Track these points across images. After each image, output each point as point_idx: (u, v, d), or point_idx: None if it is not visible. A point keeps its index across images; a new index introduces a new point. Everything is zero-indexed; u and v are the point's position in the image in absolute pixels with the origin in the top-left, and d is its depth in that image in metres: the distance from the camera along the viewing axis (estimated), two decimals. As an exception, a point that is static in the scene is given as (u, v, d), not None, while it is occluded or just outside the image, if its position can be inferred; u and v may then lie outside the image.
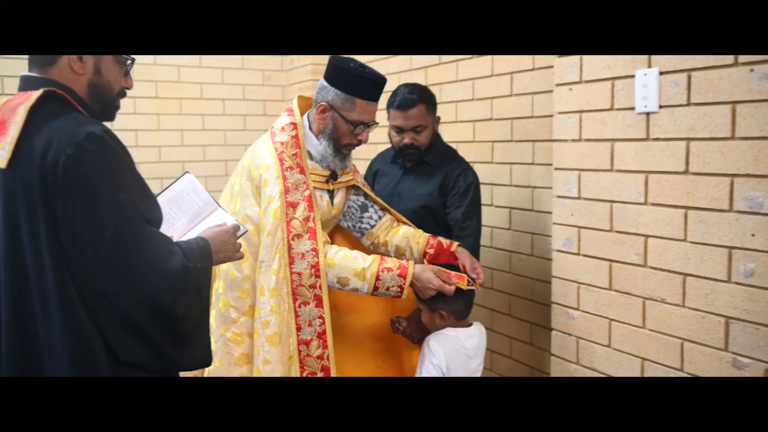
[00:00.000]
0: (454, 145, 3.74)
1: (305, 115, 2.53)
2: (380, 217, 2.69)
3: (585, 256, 2.54)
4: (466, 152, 3.73)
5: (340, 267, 2.37)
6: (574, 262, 2.59)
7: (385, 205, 2.73)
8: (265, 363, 2.31)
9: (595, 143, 2.47)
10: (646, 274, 2.32)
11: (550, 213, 2.73)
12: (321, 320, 2.35)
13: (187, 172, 2.08)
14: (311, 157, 2.48)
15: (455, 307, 2.47)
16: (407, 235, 2.67)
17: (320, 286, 2.33)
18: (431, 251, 2.61)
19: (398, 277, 2.38)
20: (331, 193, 2.57)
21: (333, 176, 2.53)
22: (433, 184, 2.96)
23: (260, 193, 2.38)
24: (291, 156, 2.39)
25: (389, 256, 2.65)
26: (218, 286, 2.45)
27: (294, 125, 2.45)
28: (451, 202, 2.92)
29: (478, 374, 2.53)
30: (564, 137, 2.59)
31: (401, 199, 3.02)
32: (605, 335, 2.48)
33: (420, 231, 2.70)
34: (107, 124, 1.81)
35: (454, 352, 2.42)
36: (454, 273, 2.48)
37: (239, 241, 2.37)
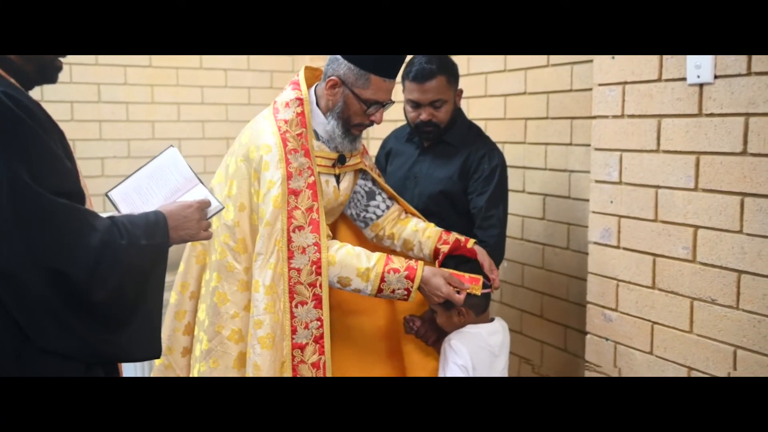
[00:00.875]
0: (482, 123, 3.72)
1: (312, 89, 2.53)
2: (388, 207, 2.71)
3: (625, 249, 2.53)
4: (495, 131, 3.72)
5: (342, 265, 2.38)
6: (612, 256, 2.58)
7: (394, 193, 2.73)
8: (256, 369, 2.32)
9: (640, 120, 2.45)
10: (695, 271, 2.31)
11: (588, 201, 2.70)
12: (319, 323, 2.36)
13: (171, 146, 2.12)
14: (317, 137, 2.48)
15: (474, 301, 2.48)
16: (417, 228, 2.68)
17: (320, 285, 2.35)
18: (444, 248, 2.61)
19: (405, 280, 2.40)
20: (338, 178, 2.57)
21: (341, 160, 2.53)
22: (453, 167, 2.95)
23: (259, 177, 2.38)
24: (295, 136, 2.39)
25: (395, 250, 2.68)
26: (211, 278, 2.46)
27: (300, 101, 2.44)
28: (473, 188, 2.91)
29: (505, 375, 2.56)
30: (604, 113, 2.57)
31: (417, 182, 3.01)
32: (647, 340, 2.48)
33: (432, 224, 2.71)
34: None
35: (479, 350, 2.44)
36: (468, 276, 2.49)
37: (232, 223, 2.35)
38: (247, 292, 2.41)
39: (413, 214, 2.75)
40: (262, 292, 2.32)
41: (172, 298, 2.59)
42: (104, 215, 1.85)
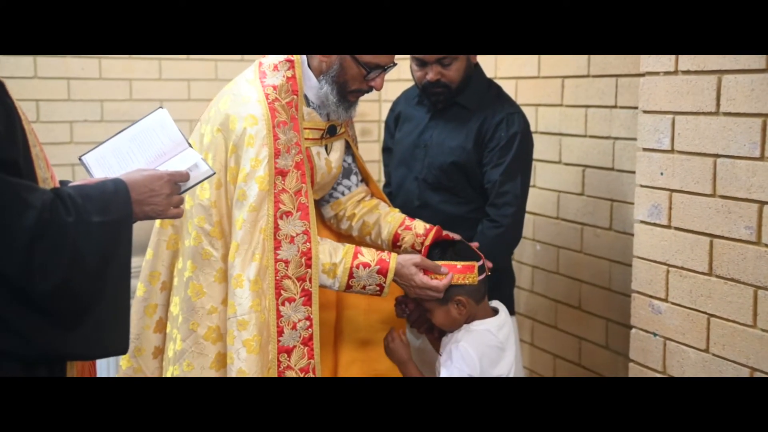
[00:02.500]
0: (511, 83, 3.72)
1: None
2: (357, 187, 2.77)
3: (677, 229, 2.53)
4: (527, 91, 3.71)
5: None
6: (662, 237, 2.57)
7: (369, 174, 2.80)
8: (241, 375, 2.33)
9: (696, 77, 2.44)
10: (760, 255, 2.30)
11: (635, 173, 2.72)
12: (308, 322, 2.39)
13: (160, 107, 2.12)
14: (307, 102, 2.49)
15: (472, 287, 2.52)
16: (379, 211, 2.75)
17: (310, 279, 2.39)
18: (407, 234, 2.67)
19: (377, 275, 2.48)
20: (327, 148, 2.60)
21: (331, 131, 2.56)
22: (466, 134, 2.96)
23: (237, 153, 2.39)
24: (285, 105, 2.41)
25: (351, 232, 2.75)
26: (185, 267, 2.46)
27: (290, 63, 2.46)
28: (488, 159, 2.92)
29: (521, 373, 2.58)
30: (654, 69, 2.55)
31: (427, 152, 3.03)
32: (702, 336, 2.48)
33: (396, 210, 2.79)
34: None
35: (489, 350, 2.48)
36: (460, 265, 2.51)
37: (198, 196, 2.37)
38: (225, 283, 2.42)
39: (381, 199, 2.81)
40: (247, 288, 2.34)
41: (139, 290, 2.59)
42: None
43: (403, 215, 2.74)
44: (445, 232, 2.69)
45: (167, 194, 1.93)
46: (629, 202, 3.26)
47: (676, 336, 2.54)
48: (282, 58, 2.47)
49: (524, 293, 3.90)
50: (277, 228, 2.35)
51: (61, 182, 1.94)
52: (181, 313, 2.44)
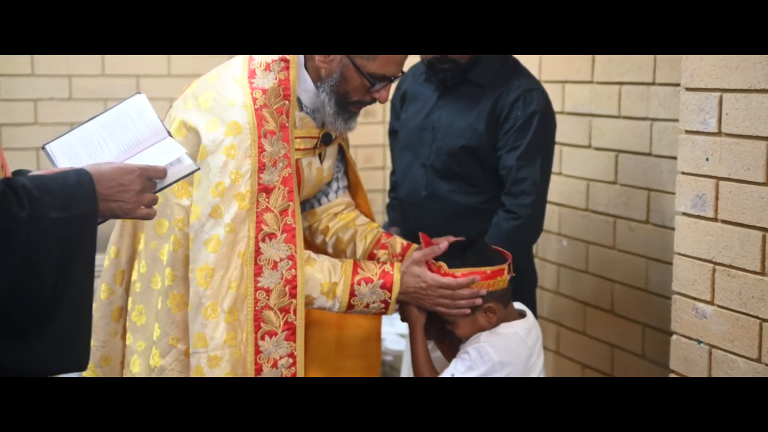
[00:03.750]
0: (534, 57, 3.71)
1: None
2: (336, 197, 2.78)
3: (725, 222, 2.52)
4: (552, 66, 3.72)
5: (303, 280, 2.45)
6: (707, 231, 2.57)
7: (360, 180, 2.79)
8: None
9: None
10: None
11: (676, 158, 2.71)
12: (291, 360, 2.39)
13: (138, 92, 2.12)
14: (300, 106, 2.48)
15: (501, 290, 2.52)
16: (355, 225, 2.75)
17: (295, 311, 2.40)
18: (384, 255, 2.66)
19: (381, 290, 2.50)
20: (320, 155, 2.61)
21: (326, 139, 2.56)
22: (479, 114, 2.97)
23: (208, 161, 2.35)
24: (274, 113, 2.39)
25: (326, 249, 2.74)
26: (163, 277, 2.45)
27: (286, 63, 2.44)
28: (503, 142, 2.94)
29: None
30: None
31: (435, 135, 3.05)
32: (753, 343, 2.46)
33: (375, 224, 2.78)
34: None
35: (516, 356, 2.49)
36: (489, 270, 2.48)
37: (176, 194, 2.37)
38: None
39: (367, 212, 2.80)
40: (221, 320, 2.34)
41: (103, 292, 2.58)
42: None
43: (381, 231, 2.73)
44: (415, 246, 2.66)
45: (138, 191, 1.90)
46: (669, 191, 3.25)
47: (724, 343, 2.53)
48: (277, 55, 2.45)
49: (548, 294, 3.90)
50: (258, 252, 2.35)
51: (18, 171, 1.92)
52: (159, 327, 2.44)
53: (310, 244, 2.76)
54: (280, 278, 2.37)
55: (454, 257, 2.52)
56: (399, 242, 2.68)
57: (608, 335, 3.63)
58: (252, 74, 2.41)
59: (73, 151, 1.99)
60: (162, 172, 1.96)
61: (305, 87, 2.46)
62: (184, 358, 2.40)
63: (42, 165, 1.87)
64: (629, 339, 3.53)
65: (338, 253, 2.72)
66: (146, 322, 2.47)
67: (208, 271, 2.32)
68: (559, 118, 3.16)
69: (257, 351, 2.36)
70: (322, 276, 2.45)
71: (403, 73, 2.47)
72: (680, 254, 2.65)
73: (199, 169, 2.13)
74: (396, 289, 2.48)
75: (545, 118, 2.94)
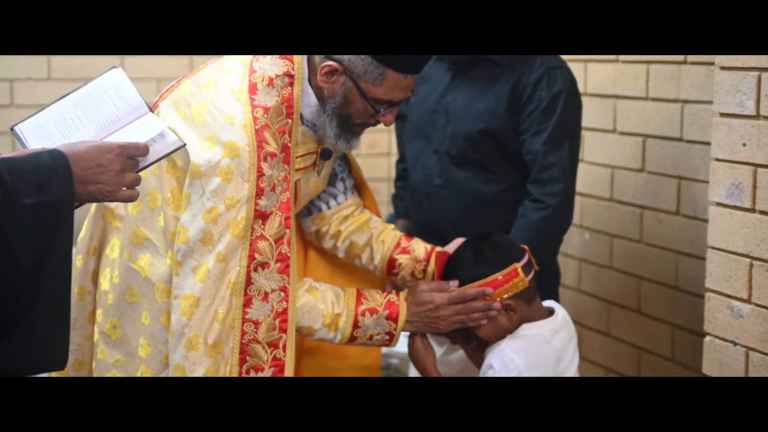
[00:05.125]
0: None
1: (305, 58, 2.49)
2: (346, 198, 2.78)
3: (763, 213, 2.52)
4: None
5: (304, 311, 2.49)
6: (744, 223, 2.56)
7: (364, 180, 2.81)
8: None
9: None
10: None
11: (710, 144, 2.72)
12: None
13: (114, 67, 2.11)
14: (301, 120, 2.47)
15: (522, 291, 2.52)
16: (370, 229, 2.76)
17: (284, 347, 2.41)
18: (405, 260, 2.69)
19: (386, 321, 2.53)
20: (318, 172, 2.62)
21: (325, 155, 2.56)
22: (498, 95, 2.97)
23: (205, 184, 2.34)
24: (276, 133, 2.38)
25: (336, 253, 2.77)
26: (150, 293, 2.45)
27: (290, 78, 2.42)
28: (526, 125, 2.94)
29: None
30: None
31: (449, 119, 3.05)
32: None
33: (390, 226, 2.80)
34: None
35: (542, 360, 2.49)
36: (501, 276, 2.49)
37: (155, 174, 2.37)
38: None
39: (375, 213, 2.83)
40: (202, 352, 2.35)
41: (76, 294, 2.56)
42: None
43: (400, 234, 2.75)
44: (440, 250, 2.69)
45: (118, 170, 1.88)
46: (701, 180, 3.25)
47: (762, 345, 2.52)
48: (281, 70, 2.42)
49: (569, 292, 3.90)
50: (249, 282, 2.36)
51: None
52: (150, 345, 2.44)
53: (318, 249, 2.78)
54: (271, 310, 2.38)
55: (468, 253, 2.55)
56: (422, 246, 2.69)
57: (634, 337, 3.62)
58: (253, 89, 2.39)
59: (45, 132, 1.98)
60: (144, 149, 1.94)
61: (308, 102, 2.46)
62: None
63: (16, 147, 1.88)
64: (657, 341, 3.52)
65: (352, 259, 2.74)
66: (123, 336, 2.47)
67: (193, 301, 2.33)
68: (581, 97, 3.14)
69: None
70: (324, 306, 2.48)
71: (411, 93, 2.48)
72: (714, 248, 2.65)
73: (185, 144, 2.12)
74: (402, 319, 2.51)
75: (571, 98, 2.94)
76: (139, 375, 2.44)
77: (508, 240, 2.57)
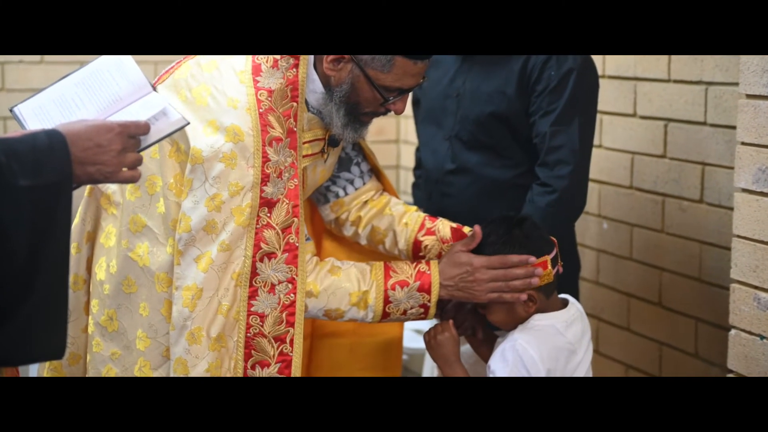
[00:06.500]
0: None
1: None
2: (364, 183, 2.78)
3: None
4: None
5: (329, 293, 2.49)
6: None
7: (378, 165, 2.81)
8: None
9: None
10: None
11: (735, 128, 2.72)
12: None
13: None
14: (306, 107, 2.48)
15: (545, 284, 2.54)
16: (392, 212, 2.76)
17: (291, 341, 2.41)
18: (430, 240, 2.68)
19: (418, 293, 2.52)
20: (325, 159, 2.64)
21: (332, 141, 2.57)
22: (507, 76, 3.00)
23: (208, 170, 2.35)
24: (280, 117, 2.39)
25: (358, 240, 2.78)
26: (149, 282, 2.46)
27: (295, 59, 2.44)
28: (535, 106, 2.97)
29: None
30: None
31: (459, 102, 3.08)
32: None
33: (413, 208, 2.80)
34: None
35: (556, 352, 2.50)
36: (515, 259, 2.48)
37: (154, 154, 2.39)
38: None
39: (393, 195, 2.83)
40: (205, 346, 2.35)
41: (72, 284, 2.55)
42: None
43: (423, 215, 2.75)
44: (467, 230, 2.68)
45: (118, 150, 1.88)
46: (727, 166, 3.25)
47: (791, 340, 2.50)
48: None
49: (587, 285, 3.91)
50: (254, 272, 2.37)
51: None
52: (149, 337, 2.45)
53: (337, 238, 2.80)
54: (277, 303, 2.39)
55: (501, 233, 2.53)
56: (448, 226, 2.68)
57: (656, 331, 3.63)
58: (257, 70, 2.40)
59: (45, 113, 1.99)
60: (145, 128, 1.95)
61: (313, 88, 2.47)
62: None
63: (9, 128, 1.90)
64: (680, 335, 3.53)
65: (375, 245, 2.75)
66: (120, 328, 2.48)
67: (196, 292, 2.34)
68: (599, 79, 3.14)
69: None
70: (350, 285, 2.48)
71: (423, 79, 2.48)
72: (740, 237, 2.65)
73: (188, 123, 2.11)
74: (435, 290, 2.49)
75: (583, 77, 2.95)
76: (137, 369, 2.45)
77: (540, 230, 2.56)
